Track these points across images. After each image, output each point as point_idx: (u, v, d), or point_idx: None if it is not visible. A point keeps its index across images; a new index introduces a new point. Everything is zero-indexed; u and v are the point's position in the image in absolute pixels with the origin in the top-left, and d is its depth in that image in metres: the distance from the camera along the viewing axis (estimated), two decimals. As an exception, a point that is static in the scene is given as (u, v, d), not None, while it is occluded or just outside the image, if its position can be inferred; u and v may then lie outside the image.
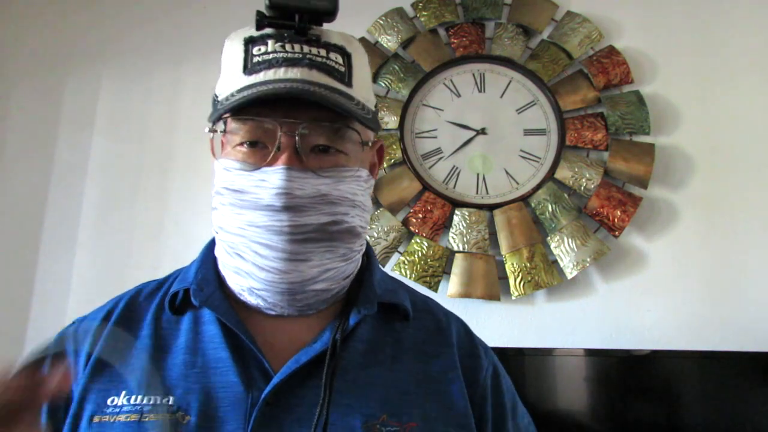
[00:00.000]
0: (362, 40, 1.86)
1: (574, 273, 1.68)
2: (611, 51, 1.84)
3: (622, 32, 1.88)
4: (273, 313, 0.63)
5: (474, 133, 1.81)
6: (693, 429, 1.49)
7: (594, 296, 1.72)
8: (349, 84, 0.61)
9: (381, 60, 1.85)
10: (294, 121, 0.57)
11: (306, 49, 0.60)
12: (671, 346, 1.63)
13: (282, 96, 0.56)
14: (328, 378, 0.56)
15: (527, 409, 0.73)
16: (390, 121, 1.79)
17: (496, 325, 1.70)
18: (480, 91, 1.85)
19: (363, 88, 0.63)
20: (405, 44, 1.86)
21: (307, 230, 0.58)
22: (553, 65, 1.84)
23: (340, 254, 0.61)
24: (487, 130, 1.82)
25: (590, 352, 1.56)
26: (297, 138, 0.57)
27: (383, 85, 1.84)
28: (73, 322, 0.68)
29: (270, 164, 0.57)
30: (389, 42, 1.86)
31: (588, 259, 1.68)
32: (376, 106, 0.67)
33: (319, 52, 0.60)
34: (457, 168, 1.79)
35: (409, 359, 0.64)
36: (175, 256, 1.76)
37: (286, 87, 0.56)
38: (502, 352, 1.59)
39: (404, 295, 0.69)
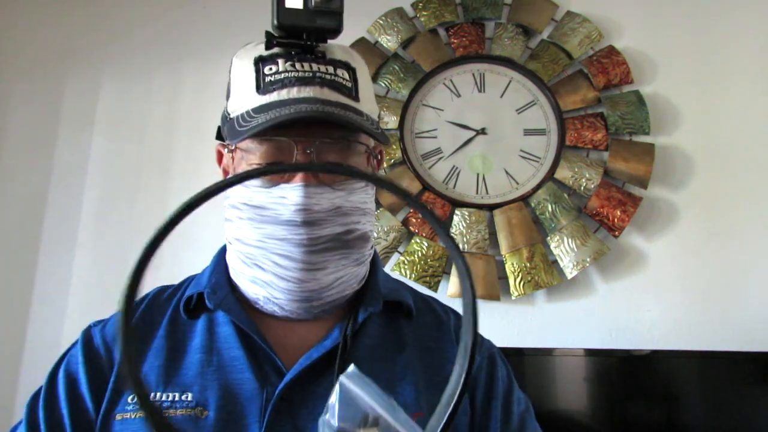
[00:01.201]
0: (362, 40, 1.86)
1: (574, 273, 1.68)
2: (611, 51, 1.84)
3: (622, 32, 1.88)
4: (287, 316, 0.65)
5: (474, 133, 1.81)
6: (693, 429, 1.49)
7: (594, 296, 1.72)
8: (356, 99, 0.64)
9: (381, 60, 1.85)
10: (308, 139, 0.60)
11: (315, 67, 0.63)
12: (671, 346, 1.63)
13: (304, 119, 0.58)
14: (340, 372, 0.59)
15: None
16: (390, 121, 1.79)
17: (496, 325, 1.70)
18: (480, 91, 1.85)
19: (368, 101, 0.67)
20: (405, 44, 1.86)
21: (323, 241, 0.61)
22: (553, 65, 1.84)
23: (353, 260, 0.64)
24: (487, 130, 1.82)
25: (590, 352, 1.56)
26: (312, 155, 0.60)
27: (383, 85, 1.84)
28: (100, 325, 0.69)
29: (287, 181, 0.60)
30: (389, 42, 1.86)
31: (588, 259, 1.68)
32: (378, 116, 0.70)
33: (327, 69, 0.63)
34: (457, 168, 1.79)
35: (414, 353, 0.66)
36: (175, 256, 1.76)
37: (305, 109, 0.59)
38: (502, 353, 1.59)
39: (407, 294, 0.72)
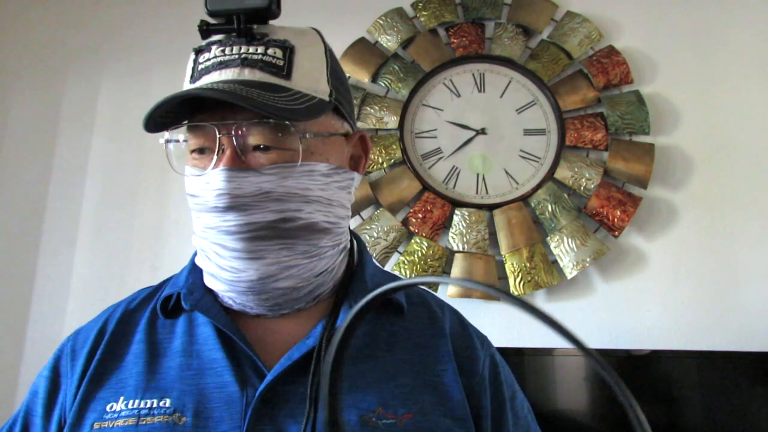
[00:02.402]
0: (362, 40, 1.86)
1: (574, 273, 1.68)
2: (611, 51, 1.84)
3: (622, 32, 1.88)
4: (253, 312, 0.63)
5: (474, 133, 1.81)
6: (693, 429, 1.49)
7: (594, 296, 1.72)
8: (286, 77, 0.60)
9: (381, 60, 1.85)
10: (229, 122, 0.58)
11: (243, 49, 0.60)
12: (671, 346, 1.63)
13: (190, 96, 0.56)
14: (318, 374, 0.56)
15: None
16: (390, 121, 1.80)
17: (496, 325, 1.70)
18: (480, 91, 1.85)
19: (307, 79, 0.61)
20: (405, 44, 1.86)
21: (254, 228, 0.58)
22: (553, 65, 1.84)
23: (300, 251, 0.60)
24: (486, 130, 1.82)
25: (590, 352, 1.56)
26: (234, 138, 0.58)
27: (383, 85, 1.84)
28: (74, 332, 0.69)
29: (215, 167, 0.58)
30: (389, 42, 1.86)
31: (588, 259, 1.68)
32: (335, 94, 0.63)
33: (256, 50, 0.60)
34: (456, 168, 1.79)
35: (403, 351, 0.64)
36: (175, 256, 1.76)
37: (194, 92, 0.56)
38: (502, 352, 1.58)
39: None
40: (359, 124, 1.80)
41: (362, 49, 1.85)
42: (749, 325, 1.65)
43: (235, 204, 0.57)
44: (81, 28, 1.99)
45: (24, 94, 1.95)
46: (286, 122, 0.58)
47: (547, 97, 1.82)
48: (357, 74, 1.84)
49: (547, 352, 1.55)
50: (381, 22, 1.87)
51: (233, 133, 0.57)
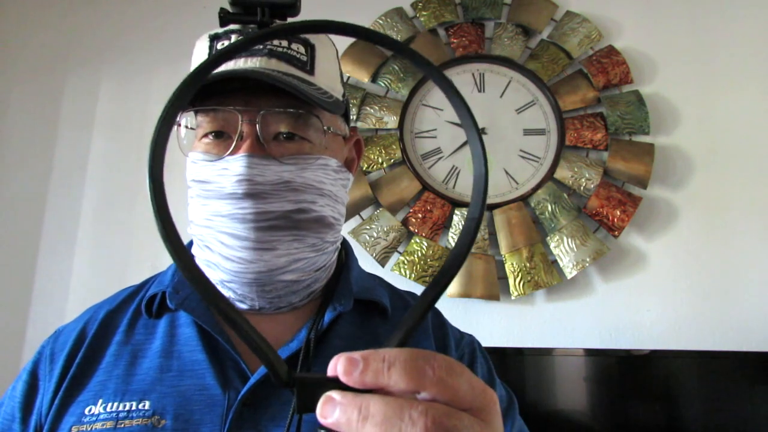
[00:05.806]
0: (362, 40, 1.86)
1: (574, 273, 1.68)
2: (611, 51, 1.84)
3: (622, 32, 1.88)
4: (245, 306, 0.62)
5: (474, 133, 1.81)
6: (693, 429, 1.49)
7: (593, 296, 1.72)
8: (310, 72, 0.61)
9: (381, 60, 1.85)
10: (254, 108, 0.57)
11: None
12: (671, 346, 1.63)
13: (233, 76, 0.56)
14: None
15: (526, 410, 0.73)
16: (390, 121, 1.80)
17: (496, 325, 1.70)
18: (480, 91, 1.85)
19: (327, 77, 0.63)
20: (405, 44, 1.86)
21: (271, 217, 0.57)
22: (553, 65, 1.84)
23: (309, 244, 0.60)
24: (486, 130, 1.82)
25: (590, 352, 1.56)
26: (258, 125, 0.57)
27: (383, 85, 1.84)
28: (55, 332, 0.68)
29: (233, 153, 0.57)
30: (389, 42, 1.86)
31: (587, 259, 1.68)
32: (345, 96, 0.66)
33: (280, 43, 0.60)
34: (456, 168, 1.79)
35: None
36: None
37: (228, 73, 0.56)
38: (502, 352, 1.60)
39: (382, 292, 0.69)
40: (359, 124, 1.80)
41: (362, 48, 1.85)
42: (749, 325, 1.66)
43: (254, 191, 0.56)
44: (81, 29, 1.99)
45: (24, 94, 1.95)
46: (314, 114, 0.59)
47: (546, 97, 1.82)
48: (357, 74, 1.84)
49: (547, 352, 1.55)
50: (381, 22, 1.87)
51: (258, 120, 0.57)
